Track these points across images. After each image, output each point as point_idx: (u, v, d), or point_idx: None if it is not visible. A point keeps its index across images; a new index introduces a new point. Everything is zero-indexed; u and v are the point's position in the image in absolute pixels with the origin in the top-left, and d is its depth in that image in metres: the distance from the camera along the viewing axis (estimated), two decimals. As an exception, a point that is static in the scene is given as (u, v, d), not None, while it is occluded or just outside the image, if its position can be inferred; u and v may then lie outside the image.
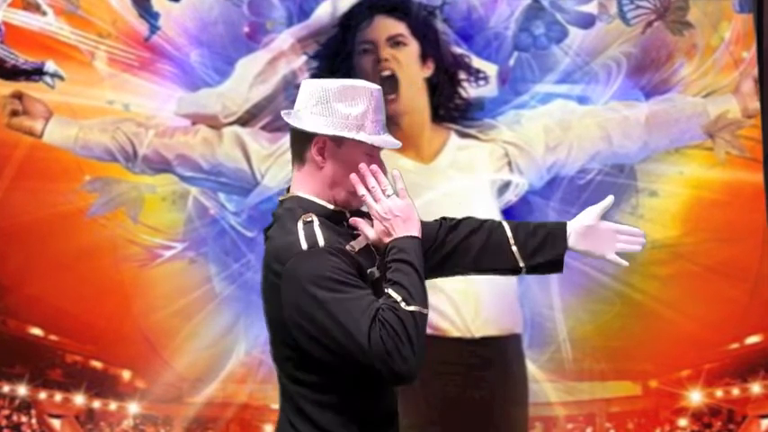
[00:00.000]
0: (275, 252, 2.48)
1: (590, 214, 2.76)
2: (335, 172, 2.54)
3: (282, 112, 2.61)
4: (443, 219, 2.83)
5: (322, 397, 2.47)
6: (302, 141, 2.55)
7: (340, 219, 2.57)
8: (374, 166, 2.52)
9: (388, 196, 2.49)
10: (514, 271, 2.78)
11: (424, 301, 2.39)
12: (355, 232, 2.58)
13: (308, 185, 2.56)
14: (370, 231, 2.52)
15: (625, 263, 2.77)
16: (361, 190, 2.50)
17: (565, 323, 5.22)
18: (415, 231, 2.48)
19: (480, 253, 2.76)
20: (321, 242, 2.42)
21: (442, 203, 5.00)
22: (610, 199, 2.76)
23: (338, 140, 2.52)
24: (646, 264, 5.22)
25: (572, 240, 2.75)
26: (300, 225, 2.46)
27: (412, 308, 2.35)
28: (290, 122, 2.56)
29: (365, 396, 2.49)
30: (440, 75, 5.24)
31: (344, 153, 2.53)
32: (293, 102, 2.66)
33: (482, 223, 2.80)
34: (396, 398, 2.61)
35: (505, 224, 2.79)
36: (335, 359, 2.38)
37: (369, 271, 2.50)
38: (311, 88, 2.56)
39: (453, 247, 2.76)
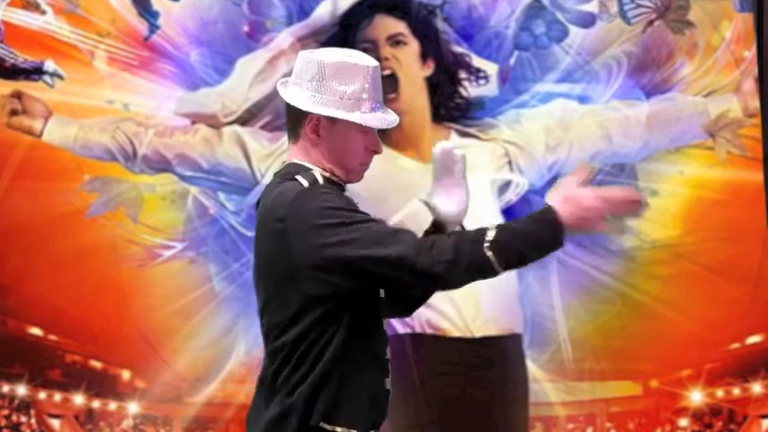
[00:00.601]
0: (274, 201, 2.43)
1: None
2: (331, 149, 2.50)
3: (279, 82, 2.58)
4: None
5: (323, 349, 2.41)
6: (296, 117, 2.51)
7: (338, 185, 2.53)
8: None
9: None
10: None
11: (507, 262, 2.31)
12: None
13: (305, 158, 2.52)
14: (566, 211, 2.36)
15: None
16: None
17: (565, 323, 5.21)
18: (572, 229, 2.35)
19: None
20: (321, 181, 2.42)
21: (443, 203, 4.99)
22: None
23: (333, 119, 2.50)
24: (646, 263, 5.22)
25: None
26: (298, 176, 2.44)
27: (489, 253, 2.30)
28: (283, 96, 2.52)
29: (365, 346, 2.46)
30: (440, 74, 5.23)
31: (339, 131, 2.49)
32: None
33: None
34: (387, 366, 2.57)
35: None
36: (344, 301, 2.36)
37: None
38: (307, 61, 2.50)
39: None
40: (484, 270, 2.33)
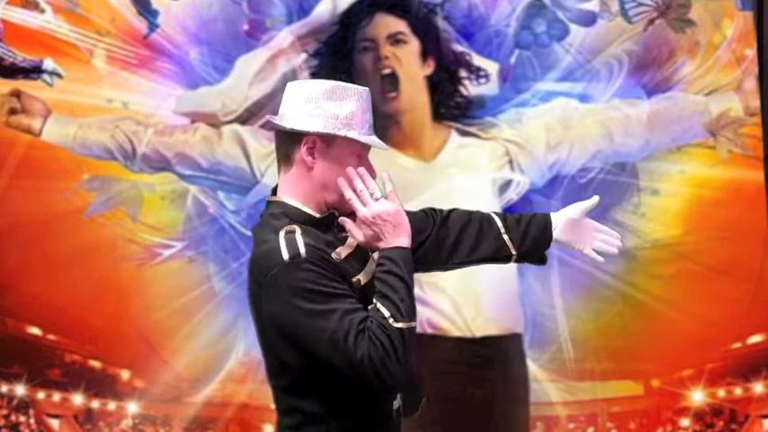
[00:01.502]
0: (257, 261, 2.47)
1: (576, 209, 2.82)
2: (326, 172, 2.50)
3: (268, 117, 2.58)
4: (431, 210, 2.82)
5: (310, 404, 2.47)
6: (291, 142, 2.51)
7: (327, 225, 2.53)
8: (361, 169, 2.49)
9: (377, 200, 2.46)
10: (506, 258, 2.81)
11: (411, 315, 2.38)
12: (343, 235, 2.54)
13: (296, 189, 2.52)
14: (359, 234, 2.48)
15: (600, 258, 2.83)
16: (348, 194, 2.47)
17: (566, 322, 5.20)
18: (405, 238, 2.46)
19: (475, 245, 2.77)
20: (303, 251, 2.40)
21: (443, 202, 4.94)
22: (595, 199, 2.82)
23: (328, 140, 2.48)
24: (647, 263, 5.21)
25: (557, 231, 2.80)
26: (282, 235, 2.43)
27: (400, 324, 2.35)
28: (277, 124, 2.51)
29: (355, 405, 2.48)
30: (440, 73, 5.21)
31: (335, 153, 2.49)
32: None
33: (470, 215, 2.81)
34: (390, 402, 2.58)
35: (493, 215, 2.82)
36: (317, 370, 2.39)
37: (354, 279, 2.48)
38: (298, 89, 2.53)
39: (448, 243, 2.76)
40: (412, 335, 2.38)
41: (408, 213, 2.56)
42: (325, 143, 2.49)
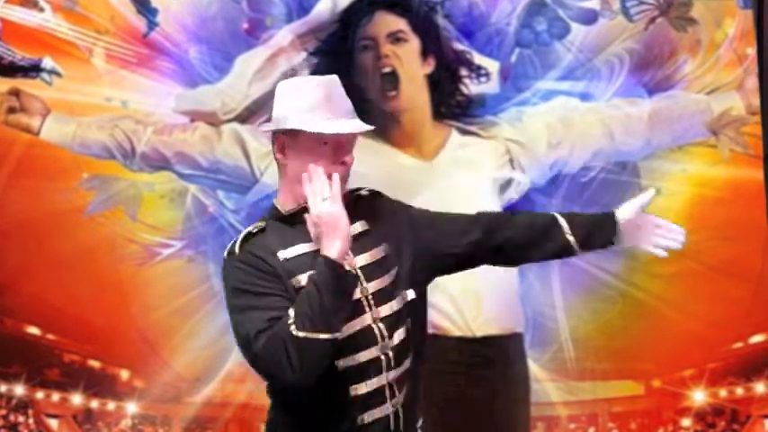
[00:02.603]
0: None
1: (633, 208, 2.83)
2: (296, 167, 2.55)
3: (259, 124, 2.69)
4: (486, 215, 2.84)
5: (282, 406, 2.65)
6: (272, 144, 2.61)
7: (296, 221, 2.57)
8: (317, 168, 2.49)
9: (324, 200, 2.47)
10: (569, 255, 2.85)
11: (318, 327, 2.38)
12: None
13: (281, 186, 2.61)
14: (311, 232, 2.52)
15: (662, 253, 2.80)
16: (306, 191, 2.50)
17: (567, 322, 5.19)
18: (339, 242, 2.44)
19: (542, 244, 2.81)
20: (237, 250, 2.52)
21: (443, 201, 4.94)
22: (651, 193, 2.84)
23: (293, 134, 2.52)
24: (648, 262, 5.19)
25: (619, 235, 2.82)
26: (243, 231, 2.57)
27: (301, 333, 2.37)
28: (262, 129, 2.63)
29: (322, 409, 2.56)
30: (441, 71, 5.20)
31: (302, 146, 2.53)
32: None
33: (534, 216, 2.86)
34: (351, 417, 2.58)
35: (559, 216, 2.83)
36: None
37: (295, 278, 2.51)
38: (276, 91, 2.61)
39: (505, 241, 2.77)
40: (314, 346, 2.38)
41: (454, 216, 2.57)
42: (292, 138, 2.54)
